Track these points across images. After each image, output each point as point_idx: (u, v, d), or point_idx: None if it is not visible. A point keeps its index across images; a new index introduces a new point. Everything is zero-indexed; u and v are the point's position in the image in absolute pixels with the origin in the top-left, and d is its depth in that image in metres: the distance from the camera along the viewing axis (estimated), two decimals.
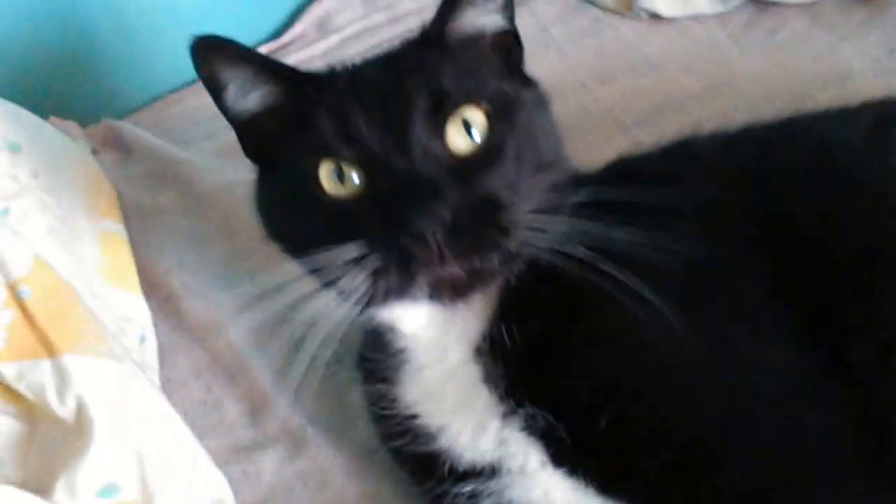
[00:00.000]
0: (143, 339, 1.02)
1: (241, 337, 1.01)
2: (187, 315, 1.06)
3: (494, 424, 0.73)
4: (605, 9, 1.41)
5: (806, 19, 1.29)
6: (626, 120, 1.20)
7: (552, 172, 0.76)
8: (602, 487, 0.71)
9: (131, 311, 1.04)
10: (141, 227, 1.17)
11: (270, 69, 0.80)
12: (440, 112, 0.73)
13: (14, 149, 1.04)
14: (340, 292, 0.72)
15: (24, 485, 0.74)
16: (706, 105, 1.18)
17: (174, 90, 1.44)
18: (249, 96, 0.81)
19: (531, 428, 0.71)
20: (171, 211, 1.20)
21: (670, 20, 1.36)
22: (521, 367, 0.72)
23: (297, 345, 0.74)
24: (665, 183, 0.76)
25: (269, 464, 0.91)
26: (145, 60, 1.43)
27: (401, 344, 0.79)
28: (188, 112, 1.38)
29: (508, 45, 0.83)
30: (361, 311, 0.72)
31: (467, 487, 0.75)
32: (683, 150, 0.84)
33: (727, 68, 1.25)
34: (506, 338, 0.72)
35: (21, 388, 0.80)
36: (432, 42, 0.80)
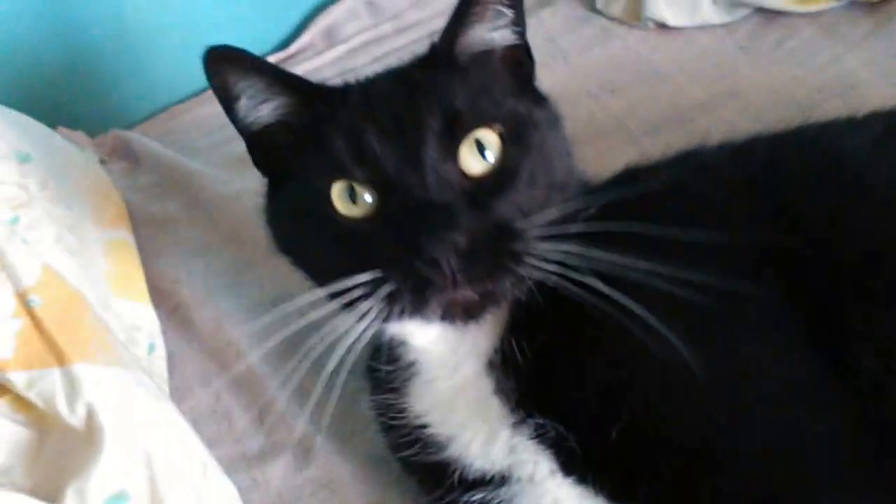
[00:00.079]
0: (151, 348, 1.02)
1: (250, 346, 1.01)
2: (196, 324, 1.06)
3: (505, 433, 0.73)
4: (612, 19, 1.42)
5: (813, 29, 1.29)
6: (634, 129, 1.20)
7: (565, 191, 0.76)
8: (611, 495, 0.70)
9: (140, 319, 1.04)
10: (149, 236, 1.18)
11: (283, 81, 0.80)
12: (453, 134, 0.73)
13: (23, 159, 1.04)
14: (355, 313, 0.71)
15: (34, 492, 0.75)
16: (714, 114, 1.18)
17: (182, 100, 1.46)
18: (261, 108, 0.80)
19: (541, 437, 0.72)
20: (180, 220, 1.21)
21: (678, 30, 1.36)
22: (531, 381, 0.72)
23: (315, 362, 0.73)
24: (673, 194, 0.76)
25: (278, 472, 0.91)
26: (153, 71, 1.44)
27: (411, 357, 0.80)
28: (196, 122, 1.39)
29: (519, 58, 0.83)
30: (375, 328, 0.72)
31: (477, 496, 0.75)
32: (691, 159, 0.84)
33: (734, 78, 1.25)
34: (517, 353, 0.73)
35: (31, 396, 0.81)
36: (443, 58, 0.79)
